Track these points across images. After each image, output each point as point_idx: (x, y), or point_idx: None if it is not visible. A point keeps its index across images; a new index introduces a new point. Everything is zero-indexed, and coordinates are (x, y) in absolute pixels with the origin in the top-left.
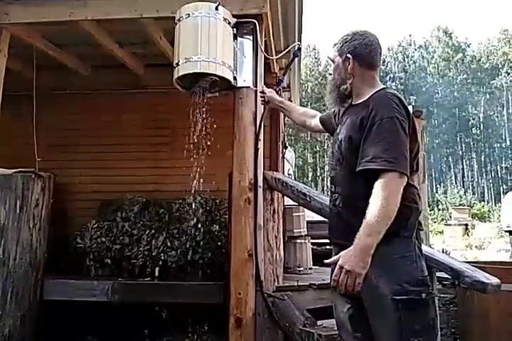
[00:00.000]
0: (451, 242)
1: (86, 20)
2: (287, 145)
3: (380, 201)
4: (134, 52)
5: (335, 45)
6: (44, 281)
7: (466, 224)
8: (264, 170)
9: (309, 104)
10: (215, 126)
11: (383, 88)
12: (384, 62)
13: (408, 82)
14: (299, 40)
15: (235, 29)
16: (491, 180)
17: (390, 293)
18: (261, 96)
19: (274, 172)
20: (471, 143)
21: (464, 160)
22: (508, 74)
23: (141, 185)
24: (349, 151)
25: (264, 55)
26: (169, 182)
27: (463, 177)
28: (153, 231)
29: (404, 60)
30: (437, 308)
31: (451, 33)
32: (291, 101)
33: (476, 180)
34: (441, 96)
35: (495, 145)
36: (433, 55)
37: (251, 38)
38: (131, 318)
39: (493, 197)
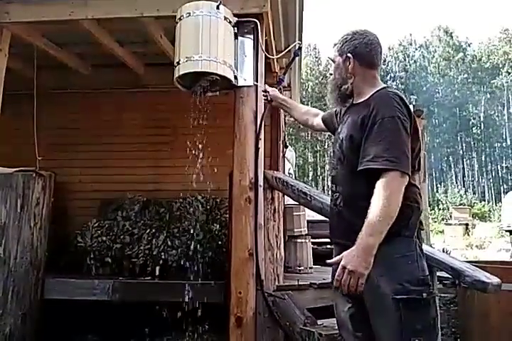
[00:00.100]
0: (451, 242)
1: (86, 20)
2: (288, 144)
3: (382, 201)
4: (135, 52)
5: (335, 44)
6: (45, 280)
7: (467, 224)
8: (264, 169)
9: (310, 103)
10: (215, 125)
11: (384, 87)
12: (384, 61)
13: (409, 81)
14: (300, 39)
15: (235, 28)
16: (491, 180)
17: (391, 293)
18: (264, 95)
19: (275, 172)
20: (472, 143)
21: (464, 160)
22: (509, 73)
23: (141, 184)
24: (350, 150)
25: (265, 54)
26: (170, 182)
27: (463, 176)
28: (153, 231)
29: (404, 60)
30: (438, 308)
31: (451, 33)
32: (287, 98)
33: (477, 179)
34: (441, 96)
35: (495, 144)
36: (434, 55)
37: (252, 37)
38: (132, 317)
39: (493, 196)
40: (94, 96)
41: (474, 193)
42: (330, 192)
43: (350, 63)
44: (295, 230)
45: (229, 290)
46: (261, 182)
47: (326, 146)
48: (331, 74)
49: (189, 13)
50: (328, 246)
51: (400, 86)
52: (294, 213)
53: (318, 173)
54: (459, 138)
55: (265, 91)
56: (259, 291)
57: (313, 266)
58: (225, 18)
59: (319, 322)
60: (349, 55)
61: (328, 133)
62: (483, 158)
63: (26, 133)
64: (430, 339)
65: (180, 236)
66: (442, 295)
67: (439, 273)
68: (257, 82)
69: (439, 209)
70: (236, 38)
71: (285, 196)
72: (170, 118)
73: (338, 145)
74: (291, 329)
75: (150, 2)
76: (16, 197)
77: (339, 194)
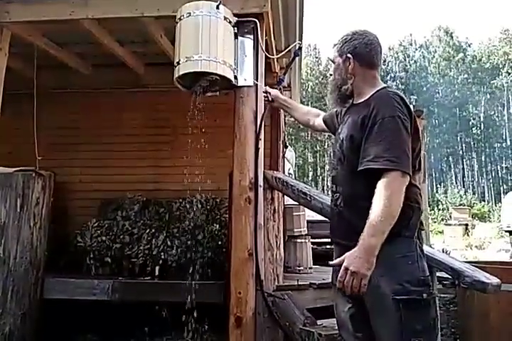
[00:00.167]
0: (451, 242)
1: (87, 19)
2: (287, 144)
3: (383, 201)
4: (135, 51)
5: (335, 45)
6: (44, 280)
7: (467, 224)
8: (264, 169)
9: (310, 103)
10: (215, 125)
11: (384, 87)
12: (385, 61)
13: (409, 81)
14: (300, 39)
15: (235, 28)
16: (491, 180)
17: (391, 293)
18: (265, 96)
19: (275, 172)
20: (472, 143)
21: (464, 160)
22: (509, 74)
23: (141, 184)
24: (350, 150)
25: (265, 54)
26: (169, 181)
27: (463, 177)
28: (153, 230)
29: (405, 60)
30: (438, 308)
31: (452, 33)
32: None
33: (477, 180)
34: (441, 96)
35: (495, 145)
36: (434, 55)
37: (252, 37)
38: (132, 317)
39: (493, 197)
40: (95, 96)
41: (474, 193)
42: (330, 193)
43: (350, 63)
44: (295, 230)
45: (228, 290)
46: (261, 182)
47: (325, 146)
48: (330, 74)
49: (189, 13)
50: (328, 246)
51: (400, 86)
52: (294, 213)
53: (318, 173)
54: (458, 138)
55: (266, 92)
56: (259, 291)
57: (313, 266)
58: (225, 18)
59: (319, 322)
60: (349, 55)
61: (328, 133)
62: (483, 159)
63: (26, 133)
64: (430, 339)
65: (180, 236)
66: (442, 295)
67: (438, 274)
68: (257, 81)
69: (439, 210)
70: (236, 37)
71: (285, 196)
72: (170, 118)
73: (338, 146)
74: (290, 329)
75: (150, 2)
76: (16, 196)
77: (339, 194)
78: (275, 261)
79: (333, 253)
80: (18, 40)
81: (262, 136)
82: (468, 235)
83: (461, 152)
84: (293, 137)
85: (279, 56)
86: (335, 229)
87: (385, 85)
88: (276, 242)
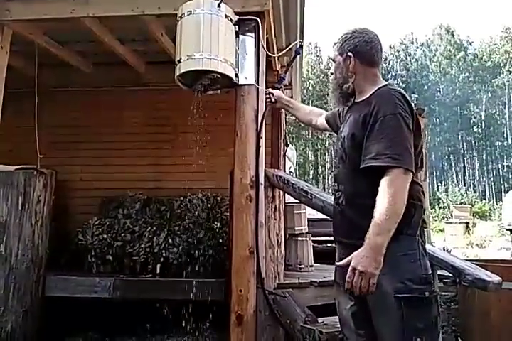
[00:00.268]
0: (452, 240)
1: (87, 18)
2: (288, 142)
3: (387, 199)
4: (136, 50)
5: (335, 44)
6: (46, 278)
7: (467, 223)
8: (265, 167)
9: (311, 101)
10: (216, 123)
11: (385, 84)
12: (386, 60)
13: (410, 80)
14: (301, 37)
15: (236, 26)
16: (492, 179)
17: (393, 291)
18: (268, 97)
19: (276, 170)
20: (473, 142)
21: (465, 159)
22: (510, 72)
23: (142, 182)
24: (352, 149)
25: (266, 53)
26: (170, 180)
27: (464, 175)
28: (154, 228)
29: (406, 58)
30: (439, 306)
31: (453, 31)
32: (292, 99)
33: (478, 178)
34: (442, 95)
35: (496, 143)
36: (435, 53)
37: (253, 35)
38: (133, 315)
39: (494, 195)
40: (95, 94)
41: (475, 192)
42: (333, 191)
43: (350, 62)
44: (296, 228)
45: (230, 288)
46: (262, 180)
47: (326, 145)
48: (331, 73)
49: (190, 12)
50: (329, 245)
51: (401, 84)
52: (295, 211)
53: (319, 172)
54: (459, 136)
55: (269, 93)
56: (260, 289)
57: (314, 264)
58: (226, 17)
59: (320, 320)
60: (349, 53)
61: (330, 132)
62: (484, 157)
63: (27, 131)
64: (432, 337)
65: (181, 234)
66: (443, 293)
67: (439, 272)
68: (258, 81)
69: (440, 208)
70: (237, 36)
71: (286, 194)
72: (171, 117)
73: (340, 144)
74: (291, 327)
75: (151, 0)
76: (17, 194)
77: (341, 193)
78: (276, 259)
79: (336, 252)
80: (19, 39)
81: (263, 135)
82: (469, 233)
83: (462, 150)
84: (294, 135)
85: (280, 54)
86: (337, 227)
87: (386, 83)
88: (277, 240)
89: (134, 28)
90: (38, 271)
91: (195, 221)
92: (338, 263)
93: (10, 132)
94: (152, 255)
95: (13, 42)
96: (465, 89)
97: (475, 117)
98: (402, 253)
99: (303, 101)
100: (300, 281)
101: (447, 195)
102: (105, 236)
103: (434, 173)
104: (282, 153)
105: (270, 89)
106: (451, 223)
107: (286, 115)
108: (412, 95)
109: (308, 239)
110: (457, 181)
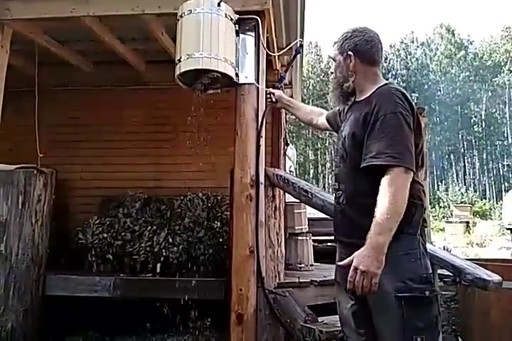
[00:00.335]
0: (452, 240)
1: (88, 17)
2: (289, 142)
3: (388, 198)
4: (136, 49)
5: (335, 43)
6: (46, 277)
7: (468, 222)
8: (265, 166)
9: (311, 101)
10: (216, 122)
11: (386, 83)
12: (386, 59)
13: (410, 79)
14: (301, 36)
15: (237, 25)
16: (492, 178)
17: (394, 290)
18: (269, 97)
19: (276, 169)
20: (473, 141)
21: (465, 158)
22: (511, 71)
23: (142, 181)
24: (353, 148)
25: (266, 52)
26: (171, 179)
27: (464, 174)
28: (154, 228)
29: (406, 57)
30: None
31: (453, 30)
32: (292, 98)
33: (478, 177)
34: (443, 94)
35: (497, 142)
36: (435, 52)
37: (253, 34)
38: (133, 314)
39: (494, 194)
40: (95, 94)
41: (475, 191)
42: (333, 190)
43: (351, 61)
44: (296, 228)
45: (230, 287)
46: (262, 179)
47: (326, 144)
48: (332, 72)
49: (190, 11)
50: (329, 244)
51: (401, 84)
52: (295, 211)
53: (319, 171)
54: (460, 136)
55: (270, 92)
56: (260, 288)
57: (314, 264)
58: (226, 16)
59: (320, 319)
60: (350, 52)
61: (331, 131)
62: (484, 156)
63: (27, 130)
64: (432, 337)
65: (182, 234)
66: (443, 292)
67: (439, 271)
68: (258, 80)
69: (440, 207)
70: (237, 35)
71: (286, 193)
72: (171, 116)
73: (341, 143)
74: (291, 326)
75: None
76: (18, 193)
77: (342, 192)
78: (276, 258)
79: (336, 251)
80: (20, 38)
81: (263, 134)
82: (469, 233)
83: (462, 150)
84: (294, 134)
85: (280, 53)
86: (338, 226)
87: (386, 81)
88: (278, 239)
89: (134, 27)
90: (38, 270)
91: (196, 220)
92: (339, 263)
93: (10, 131)
94: (152, 254)
95: (14, 42)
96: (465, 88)
97: (475, 116)
98: (402, 253)
99: (303, 101)
100: (300, 280)
101: (447, 194)
102: (105, 235)
103: (435, 172)
104: (282, 152)
105: (271, 89)
106: (451, 222)
107: (286, 114)
108: (413, 94)
109: (308, 238)
110: (457, 180)
